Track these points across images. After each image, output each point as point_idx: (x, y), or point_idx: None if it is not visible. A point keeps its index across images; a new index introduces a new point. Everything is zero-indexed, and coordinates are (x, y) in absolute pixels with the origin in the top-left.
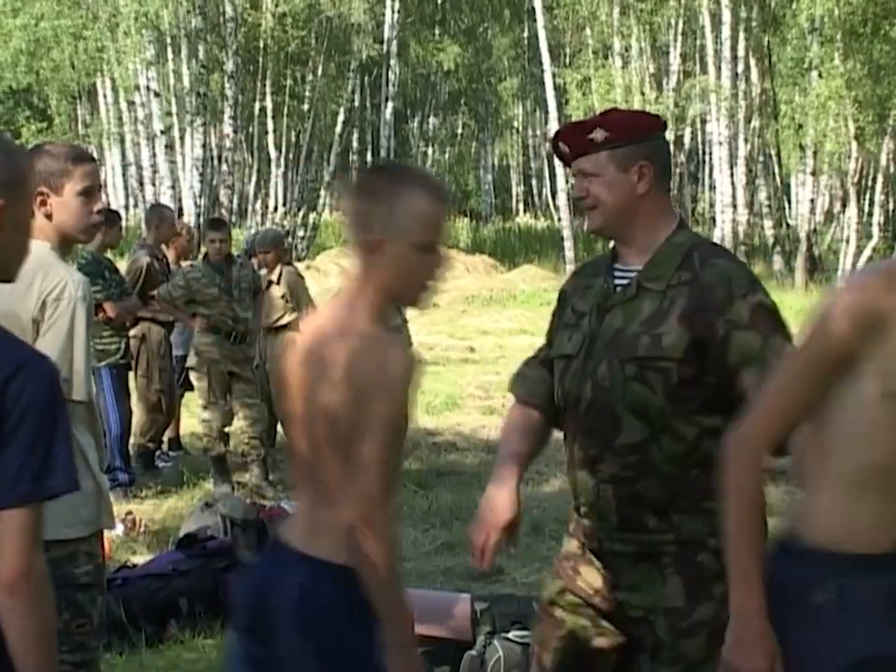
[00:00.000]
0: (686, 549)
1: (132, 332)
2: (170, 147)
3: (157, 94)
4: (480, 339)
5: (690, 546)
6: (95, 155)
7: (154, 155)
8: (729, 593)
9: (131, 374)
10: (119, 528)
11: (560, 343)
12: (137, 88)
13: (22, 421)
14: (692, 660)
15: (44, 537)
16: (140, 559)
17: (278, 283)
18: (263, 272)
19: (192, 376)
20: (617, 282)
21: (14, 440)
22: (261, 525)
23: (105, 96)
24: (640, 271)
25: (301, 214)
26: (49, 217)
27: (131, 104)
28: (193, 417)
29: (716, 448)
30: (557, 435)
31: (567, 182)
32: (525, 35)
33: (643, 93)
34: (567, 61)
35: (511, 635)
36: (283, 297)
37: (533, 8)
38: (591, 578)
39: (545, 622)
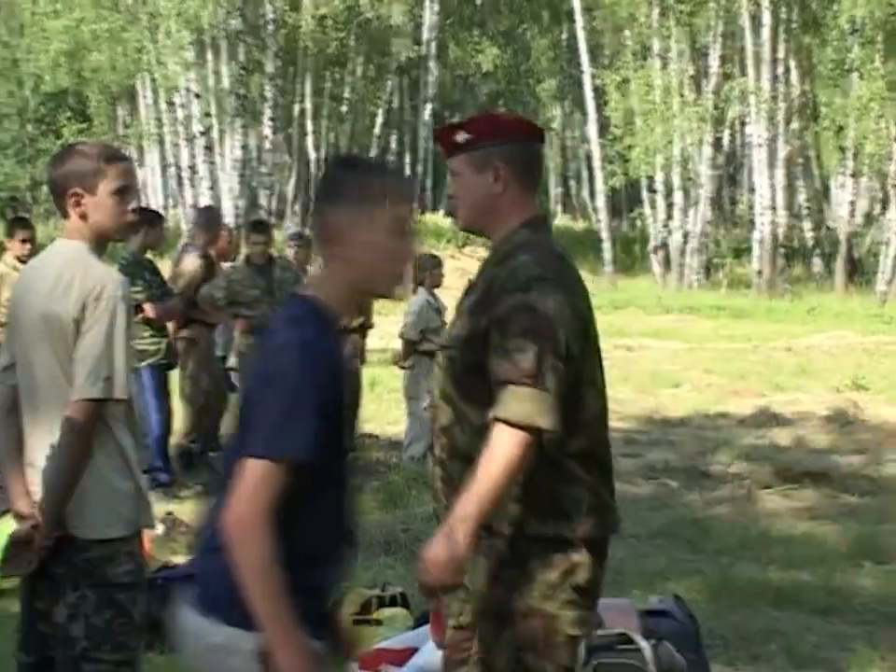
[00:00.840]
0: (487, 533)
1: (182, 334)
2: (209, 148)
3: (197, 95)
4: None
5: (488, 531)
6: (135, 156)
7: (193, 156)
8: (519, 579)
9: (170, 375)
10: (160, 528)
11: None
12: (177, 89)
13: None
14: (484, 643)
15: (87, 536)
16: (181, 559)
17: None
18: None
19: (234, 377)
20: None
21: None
22: None
23: (144, 97)
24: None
25: None
26: (84, 217)
27: (170, 105)
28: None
29: None
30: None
31: (605, 184)
32: (564, 36)
33: (682, 95)
34: (606, 62)
35: None
36: None
37: (572, 10)
38: None
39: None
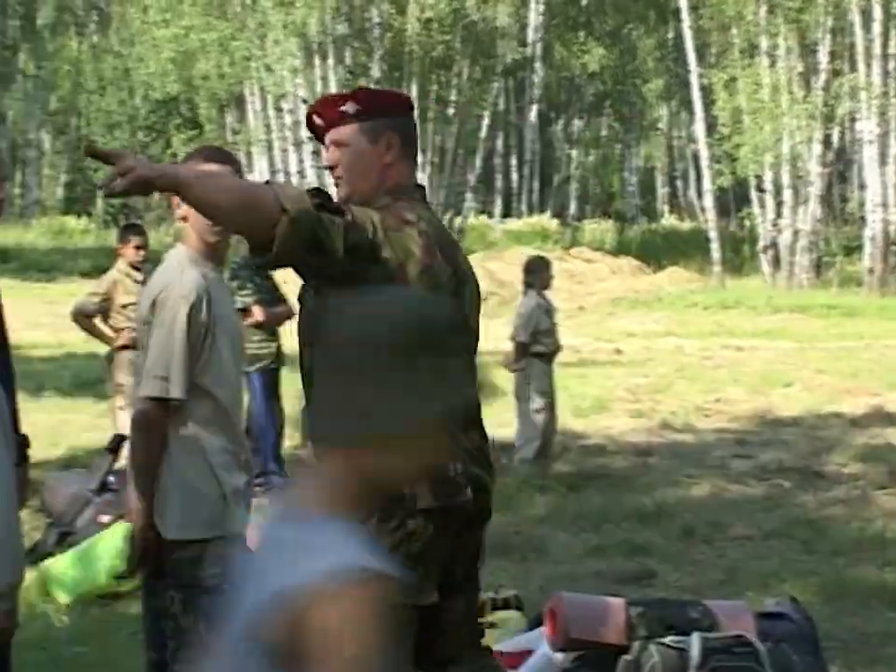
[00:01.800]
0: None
1: None
2: (317, 153)
3: (304, 101)
4: (626, 341)
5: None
6: (244, 162)
7: (301, 161)
8: None
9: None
10: None
11: None
12: (285, 95)
13: None
14: None
15: (168, 536)
16: None
17: None
18: None
19: None
20: None
21: None
22: None
23: (253, 104)
24: None
25: (446, 218)
26: (185, 219)
27: (278, 111)
28: None
29: None
30: (703, 439)
31: (712, 183)
32: (670, 35)
33: (791, 92)
34: (713, 60)
35: (667, 640)
36: None
37: (678, 9)
38: None
39: None
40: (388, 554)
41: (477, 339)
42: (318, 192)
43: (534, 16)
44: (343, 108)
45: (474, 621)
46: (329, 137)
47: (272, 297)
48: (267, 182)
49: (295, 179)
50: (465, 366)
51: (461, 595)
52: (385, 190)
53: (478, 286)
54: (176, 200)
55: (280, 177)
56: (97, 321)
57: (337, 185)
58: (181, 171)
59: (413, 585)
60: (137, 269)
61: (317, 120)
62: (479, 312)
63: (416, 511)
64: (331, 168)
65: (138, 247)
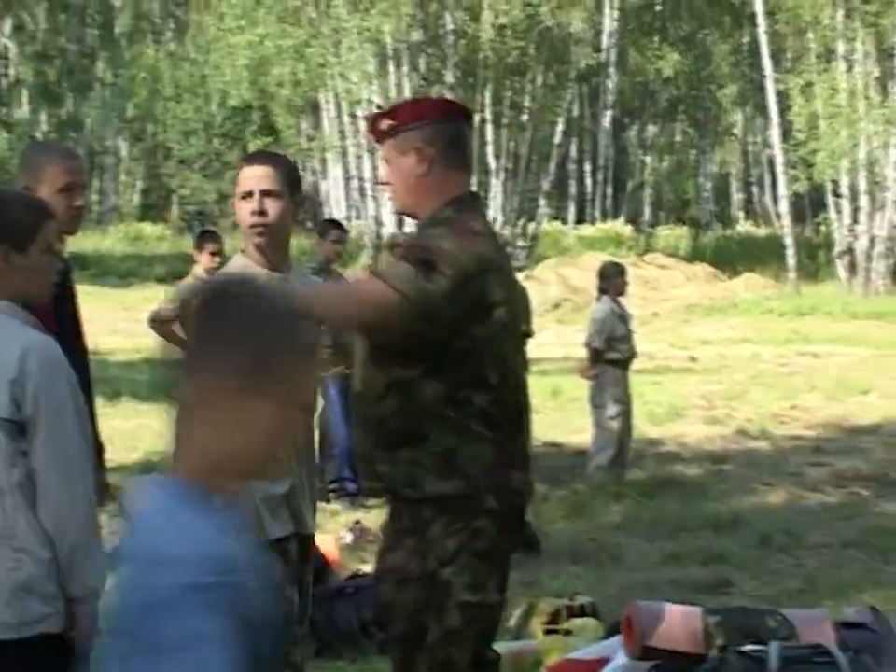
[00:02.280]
0: (393, 498)
1: None
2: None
3: (379, 107)
4: (701, 348)
5: (392, 495)
6: (318, 168)
7: (375, 168)
8: (419, 546)
9: None
10: (349, 537)
11: None
12: (359, 102)
13: None
14: (381, 601)
15: None
16: (369, 568)
17: None
18: None
19: None
20: None
21: None
22: None
23: (327, 110)
24: None
25: (520, 223)
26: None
27: (353, 117)
28: None
29: (406, 400)
30: (779, 446)
31: (788, 189)
32: (746, 40)
33: (867, 98)
34: (789, 65)
35: (745, 649)
36: None
37: (754, 13)
38: None
39: None
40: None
41: (525, 345)
42: (418, 253)
43: (608, 21)
44: (380, 126)
45: None
46: (381, 152)
47: None
48: (371, 272)
49: (368, 186)
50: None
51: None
52: (444, 203)
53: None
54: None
55: (354, 183)
56: (174, 327)
57: (391, 199)
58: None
59: (480, 584)
60: (212, 275)
61: (371, 137)
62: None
63: (482, 511)
64: (384, 184)
65: (213, 253)
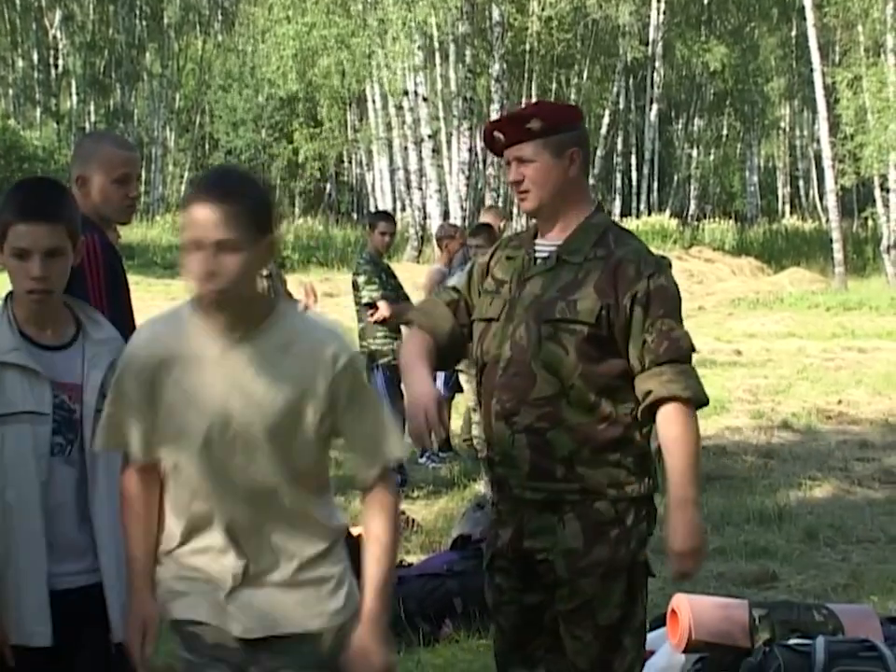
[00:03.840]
0: (587, 497)
1: None
2: (436, 151)
3: (424, 99)
4: (747, 342)
5: (591, 495)
6: (364, 160)
7: (421, 159)
8: (623, 535)
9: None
10: None
11: (481, 308)
12: (406, 93)
13: None
14: (586, 597)
15: None
16: (414, 558)
17: None
18: None
19: (462, 378)
20: (538, 254)
21: None
22: None
23: (373, 102)
24: (560, 245)
25: None
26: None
27: (399, 108)
28: (461, 419)
29: (616, 405)
30: (825, 441)
31: (835, 183)
32: (794, 33)
33: None
34: (837, 59)
35: (791, 643)
36: None
37: (802, 6)
38: (504, 535)
39: (489, 589)
40: None
41: None
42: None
43: (655, 14)
44: (528, 126)
45: None
46: (511, 153)
47: (396, 294)
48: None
49: (414, 177)
50: None
51: None
52: (596, 207)
53: None
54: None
55: (399, 175)
56: None
57: (523, 199)
58: (697, 504)
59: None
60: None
61: (498, 136)
62: None
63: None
64: (517, 183)
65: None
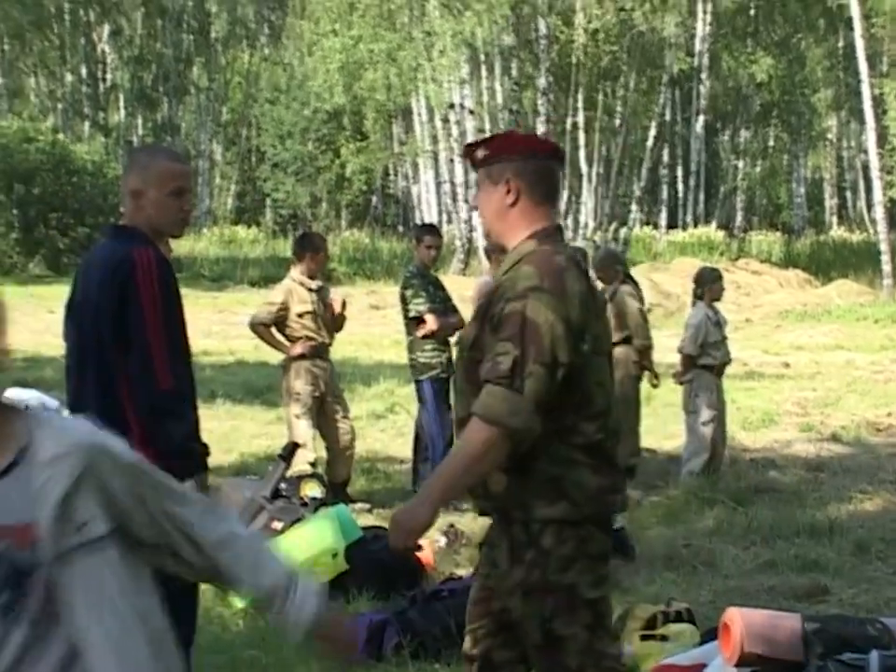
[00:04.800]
0: (502, 518)
1: None
2: None
3: (471, 111)
4: (794, 354)
5: (504, 515)
6: (409, 173)
7: (467, 171)
8: (537, 558)
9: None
10: (442, 540)
11: None
12: (451, 106)
13: None
14: (515, 616)
15: None
16: (463, 571)
17: (610, 300)
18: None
19: None
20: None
21: None
22: None
23: (419, 114)
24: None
25: (611, 228)
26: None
27: (445, 121)
28: None
29: None
30: (874, 454)
31: (883, 195)
32: (840, 44)
33: None
34: (885, 69)
35: (844, 657)
36: (614, 316)
37: (849, 17)
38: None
39: None
40: None
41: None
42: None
43: (701, 26)
44: (476, 153)
45: None
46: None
47: (444, 307)
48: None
49: (460, 190)
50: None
51: None
52: (528, 235)
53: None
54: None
55: (445, 187)
56: (274, 330)
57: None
58: (431, 504)
59: (604, 580)
60: (312, 277)
61: (467, 162)
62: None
63: (584, 519)
64: (474, 208)
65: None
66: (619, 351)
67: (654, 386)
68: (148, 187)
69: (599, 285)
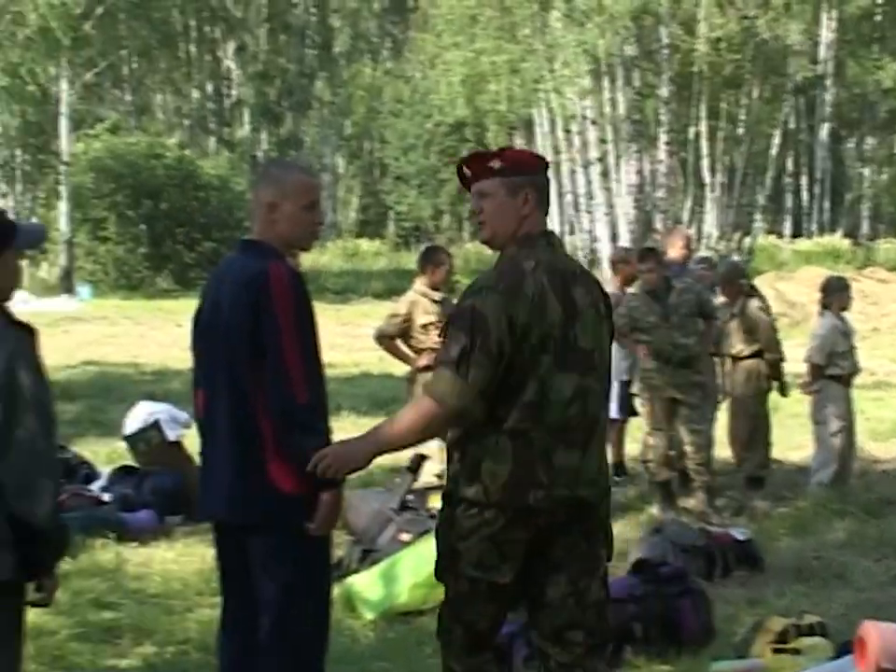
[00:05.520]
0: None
1: None
2: (605, 174)
3: (593, 122)
4: None
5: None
6: None
7: (589, 182)
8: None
9: None
10: None
11: None
12: (573, 117)
13: None
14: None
15: None
16: None
17: (740, 315)
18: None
19: (637, 402)
20: None
21: None
22: (710, 552)
23: (540, 126)
24: None
25: (735, 237)
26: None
27: (567, 132)
28: (636, 443)
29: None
30: None
31: None
32: None
33: None
34: None
35: None
36: (744, 331)
37: None
38: None
39: None
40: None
41: (592, 360)
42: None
43: (825, 33)
44: (490, 164)
45: (580, 592)
46: (475, 188)
47: None
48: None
49: (583, 200)
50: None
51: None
52: (515, 240)
53: (600, 310)
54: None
55: (568, 198)
56: (399, 342)
57: (480, 229)
58: (370, 450)
59: (491, 566)
60: (436, 289)
61: (466, 171)
62: (601, 336)
63: (492, 505)
64: (476, 214)
65: (437, 268)
66: (749, 364)
67: (783, 395)
68: (283, 200)
69: (721, 299)
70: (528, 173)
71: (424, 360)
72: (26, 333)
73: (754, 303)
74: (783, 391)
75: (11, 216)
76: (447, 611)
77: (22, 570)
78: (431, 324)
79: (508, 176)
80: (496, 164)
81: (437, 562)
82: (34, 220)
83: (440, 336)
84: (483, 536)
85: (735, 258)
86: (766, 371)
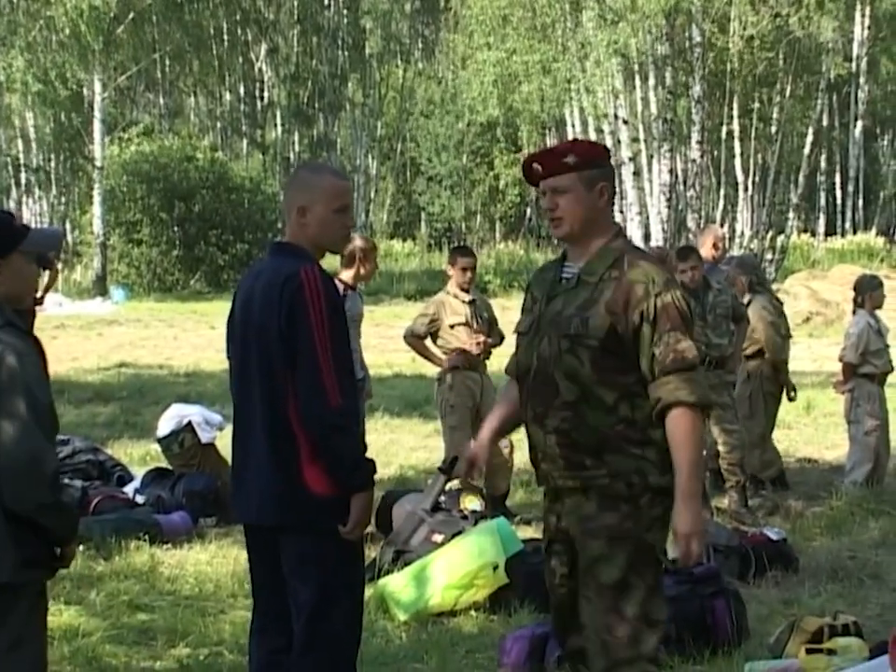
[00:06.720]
0: (612, 480)
1: None
2: (637, 173)
3: (625, 121)
4: None
5: (615, 478)
6: None
7: (622, 181)
8: (633, 512)
9: None
10: None
11: (520, 323)
12: (605, 116)
13: None
14: (593, 556)
15: None
16: None
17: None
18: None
19: None
20: (564, 275)
21: None
22: (744, 552)
23: (572, 125)
24: (581, 267)
25: (768, 236)
26: None
27: (599, 132)
28: None
29: (634, 408)
30: None
31: None
32: None
33: None
34: None
35: None
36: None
37: None
38: (551, 521)
39: (546, 572)
40: None
41: None
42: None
43: (859, 30)
44: (565, 160)
45: None
46: (547, 184)
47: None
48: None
49: (615, 199)
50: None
51: None
52: (604, 232)
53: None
54: None
55: None
56: (428, 342)
57: (556, 226)
58: (697, 502)
59: (663, 551)
60: (465, 290)
61: (536, 167)
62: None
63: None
64: (551, 210)
65: (465, 269)
66: (750, 364)
67: (791, 399)
68: (315, 203)
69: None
70: (601, 165)
71: (452, 360)
72: (31, 343)
73: (759, 301)
74: (789, 394)
75: (46, 221)
76: (658, 611)
77: (27, 570)
78: (460, 324)
79: (583, 171)
80: (570, 160)
81: (610, 564)
82: (56, 226)
83: (473, 334)
84: (665, 523)
85: (769, 256)
86: (769, 373)
